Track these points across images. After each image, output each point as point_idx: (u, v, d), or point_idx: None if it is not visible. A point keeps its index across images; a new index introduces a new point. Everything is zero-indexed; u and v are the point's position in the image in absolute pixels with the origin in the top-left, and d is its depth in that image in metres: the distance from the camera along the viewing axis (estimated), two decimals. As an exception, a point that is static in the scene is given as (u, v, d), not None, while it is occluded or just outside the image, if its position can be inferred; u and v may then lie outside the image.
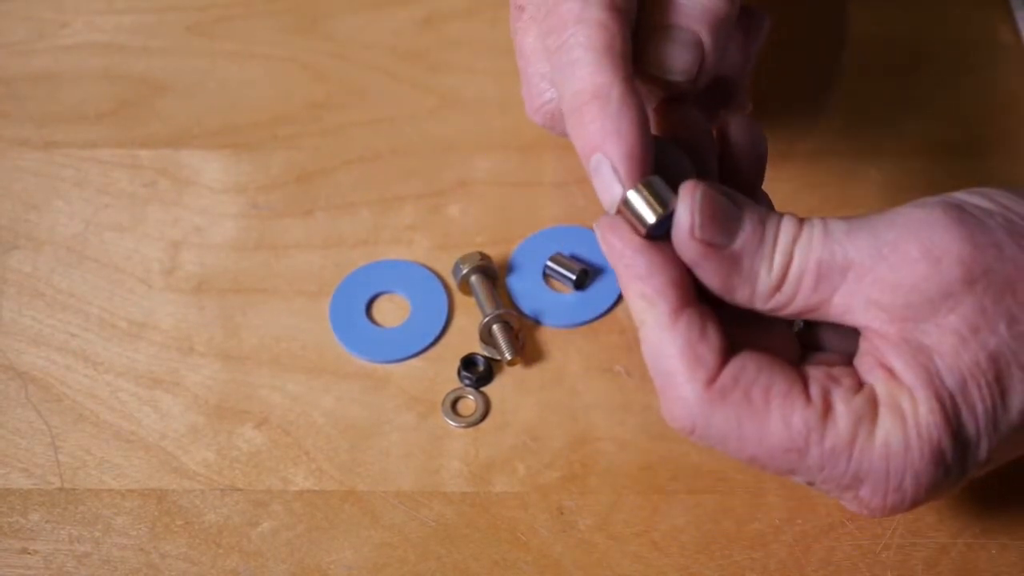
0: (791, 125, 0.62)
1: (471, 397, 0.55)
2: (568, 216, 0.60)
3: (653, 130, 0.47)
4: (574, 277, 0.57)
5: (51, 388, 0.56)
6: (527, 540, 0.51)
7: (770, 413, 0.42)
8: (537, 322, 0.57)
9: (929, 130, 0.62)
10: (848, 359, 0.44)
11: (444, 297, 0.58)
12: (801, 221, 0.43)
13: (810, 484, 0.43)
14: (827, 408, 0.42)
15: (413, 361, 0.56)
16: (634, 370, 0.55)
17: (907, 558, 0.51)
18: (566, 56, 0.45)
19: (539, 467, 0.53)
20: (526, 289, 0.58)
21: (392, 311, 0.58)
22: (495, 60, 0.65)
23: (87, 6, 0.68)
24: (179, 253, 0.60)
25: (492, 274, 0.57)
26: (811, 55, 0.65)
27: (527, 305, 0.57)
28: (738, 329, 0.44)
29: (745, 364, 0.43)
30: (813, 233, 0.43)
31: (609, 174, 0.43)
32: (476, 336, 0.56)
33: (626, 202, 0.43)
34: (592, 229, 0.47)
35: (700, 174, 0.46)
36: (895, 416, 0.42)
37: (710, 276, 0.43)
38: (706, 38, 0.47)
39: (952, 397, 0.41)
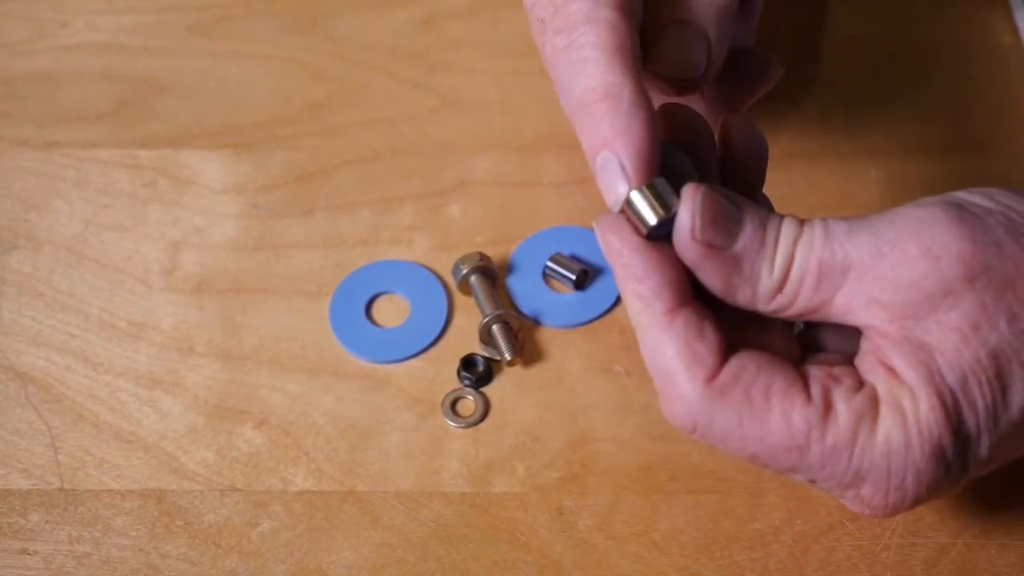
0: (791, 125, 0.62)
1: (471, 397, 0.55)
2: (568, 216, 0.60)
3: None
4: (574, 277, 0.57)
5: (51, 388, 0.56)
6: (527, 540, 0.51)
7: (771, 411, 0.42)
8: (537, 322, 0.57)
9: (929, 130, 0.62)
10: (849, 359, 0.44)
11: (444, 297, 0.58)
12: (802, 222, 0.43)
13: (812, 483, 0.43)
14: (827, 406, 0.42)
15: (413, 361, 0.56)
16: (634, 370, 0.55)
17: (907, 558, 0.51)
18: (576, 55, 0.45)
19: (539, 467, 0.53)
20: (526, 289, 0.58)
21: (392, 311, 0.58)
22: (495, 60, 0.65)
23: (87, 6, 0.68)
24: (179, 253, 0.60)
25: (492, 274, 0.57)
26: (811, 55, 0.65)
27: (527, 305, 0.57)
28: (739, 330, 0.44)
29: (745, 363, 0.43)
30: (814, 234, 0.43)
31: (615, 172, 0.43)
32: (476, 336, 0.56)
33: (629, 202, 0.43)
34: (592, 229, 0.47)
35: (702, 176, 0.46)
36: (896, 414, 0.42)
37: (711, 278, 0.43)
38: (712, 31, 0.47)
39: (953, 394, 0.41)
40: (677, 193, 0.43)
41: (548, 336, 0.57)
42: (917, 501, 0.43)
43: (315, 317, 0.57)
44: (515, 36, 0.66)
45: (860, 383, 0.43)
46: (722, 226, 0.43)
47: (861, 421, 0.42)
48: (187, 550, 0.52)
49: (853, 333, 0.44)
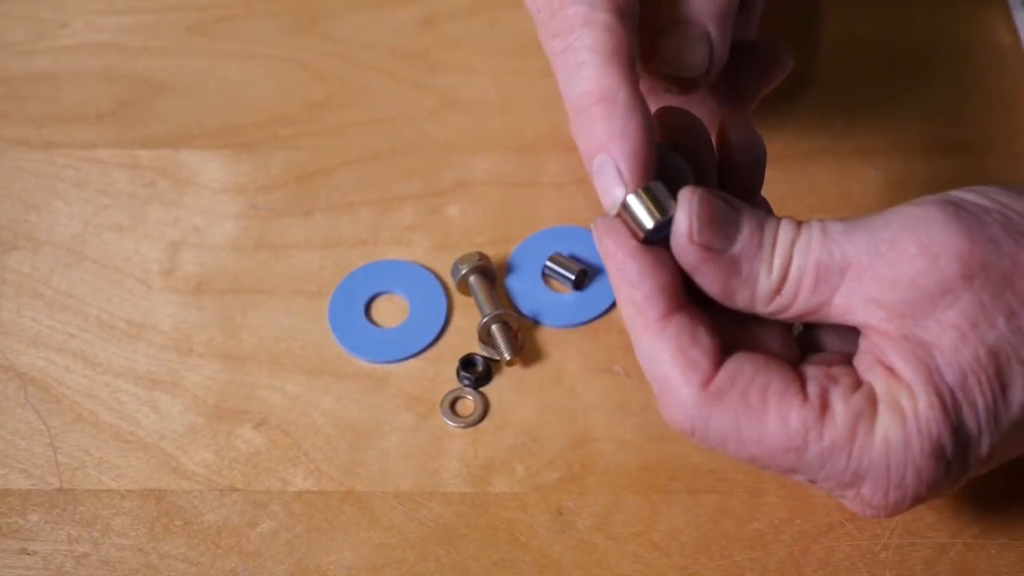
0: (790, 125, 0.62)
1: (470, 397, 0.55)
2: (567, 216, 0.60)
3: None
4: (573, 277, 0.57)
5: (50, 388, 0.56)
6: (526, 540, 0.51)
7: (767, 413, 0.42)
8: (536, 322, 0.57)
9: (929, 130, 0.62)
10: (848, 359, 0.44)
11: (443, 297, 0.58)
12: (799, 223, 0.43)
13: (812, 483, 0.44)
14: (825, 406, 0.42)
15: (412, 361, 0.56)
16: (633, 370, 0.55)
17: (906, 558, 0.50)
18: (573, 58, 0.45)
19: (538, 467, 0.53)
20: (525, 289, 0.58)
21: (391, 311, 0.58)
22: (495, 60, 0.65)
23: (87, 6, 0.68)
24: (178, 253, 0.60)
25: (491, 274, 0.57)
26: (811, 55, 0.65)
27: (526, 305, 0.57)
28: (737, 332, 0.44)
29: (741, 365, 0.43)
30: (811, 235, 0.43)
31: (612, 175, 0.43)
32: (475, 336, 0.56)
33: (625, 206, 0.43)
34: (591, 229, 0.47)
35: (699, 180, 0.46)
36: (894, 413, 0.42)
37: (710, 281, 0.43)
38: (713, 30, 0.48)
39: (952, 392, 0.41)
40: (674, 196, 0.43)
41: (547, 336, 0.57)
42: (918, 500, 0.43)
43: (315, 317, 0.57)
44: (515, 36, 0.66)
45: (858, 382, 0.43)
46: (719, 229, 0.43)
47: (859, 420, 0.42)
48: (186, 550, 0.52)
49: (851, 334, 0.44)
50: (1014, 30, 0.65)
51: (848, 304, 0.43)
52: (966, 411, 0.41)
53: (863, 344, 0.43)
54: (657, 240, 0.43)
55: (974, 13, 0.66)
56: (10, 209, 0.61)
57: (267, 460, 0.54)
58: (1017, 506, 0.52)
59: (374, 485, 0.53)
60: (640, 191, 0.43)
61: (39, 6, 0.68)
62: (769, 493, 0.52)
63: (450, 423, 0.54)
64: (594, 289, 0.58)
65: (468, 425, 0.54)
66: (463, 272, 0.57)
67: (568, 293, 0.58)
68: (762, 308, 0.44)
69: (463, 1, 0.68)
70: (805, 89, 0.64)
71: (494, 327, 0.55)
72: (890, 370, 0.42)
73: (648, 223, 0.43)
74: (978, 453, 0.42)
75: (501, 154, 0.62)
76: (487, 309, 0.56)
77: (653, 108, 0.47)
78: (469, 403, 0.55)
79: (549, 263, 0.58)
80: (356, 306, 0.58)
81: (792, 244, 0.43)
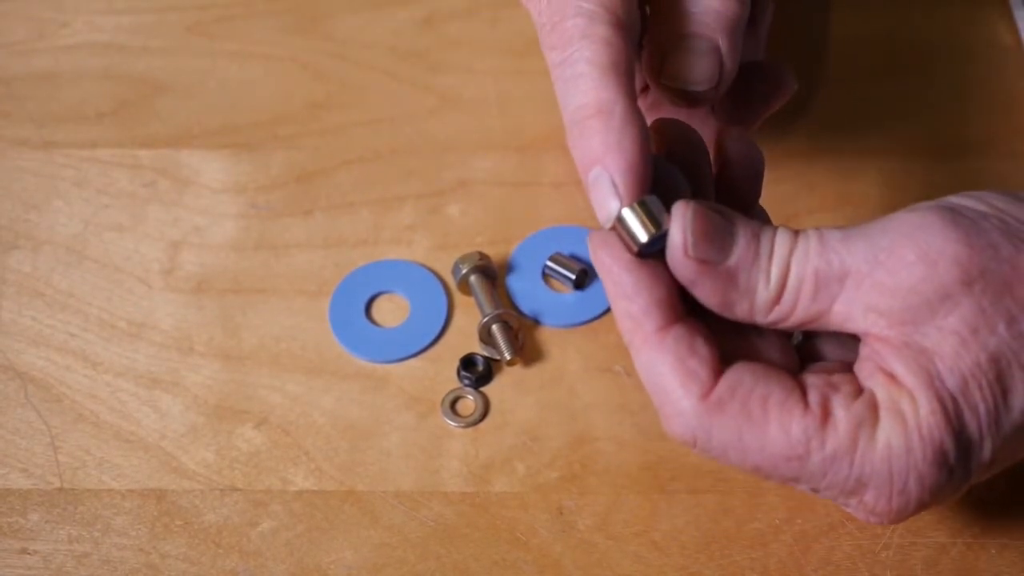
0: (790, 125, 0.62)
1: (470, 397, 0.55)
2: (568, 216, 0.60)
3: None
4: (573, 277, 0.57)
5: (51, 388, 0.56)
6: (527, 540, 0.51)
7: (768, 422, 0.42)
8: (536, 322, 0.57)
9: (929, 130, 0.62)
10: (848, 367, 0.44)
11: (443, 297, 0.58)
12: (796, 232, 0.43)
13: (815, 492, 0.43)
14: (826, 414, 0.42)
15: (412, 361, 0.56)
16: (633, 370, 0.55)
17: (906, 558, 0.51)
18: (570, 70, 0.45)
19: (538, 467, 0.53)
20: (525, 289, 0.58)
21: (392, 311, 0.58)
22: (495, 60, 0.65)
23: (87, 6, 0.68)
24: (179, 253, 0.60)
25: (491, 274, 0.57)
26: (811, 55, 0.65)
27: (526, 305, 0.57)
28: (736, 342, 0.44)
29: (741, 375, 0.43)
30: (809, 243, 0.43)
31: (607, 188, 0.43)
32: (475, 336, 0.56)
33: (620, 219, 0.43)
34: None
35: (696, 192, 0.46)
36: (896, 419, 0.41)
37: (708, 294, 0.43)
38: (723, 44, 0.47)
39: (953, 398, 0.41)
40: (669, 209, 0.43)
41: (548, 336, 0.57)
42: (921, 506, 0.42)
43: (315, 317, 0.58)
44: (515, 36, 0.66)
45: (859, 390, 0.43)
46: (714, 241, 0.43)
47: (860, 427, 0.42)
48: (187, 550, 0.52)
49: (851, 341, 0.44)
50: (1015, 30, 0.65)
51: (848, 312, 0.43)
52: (968, 416, 0.41)
53: (863, 351, 0.43)
54: (652, 253, 0.43)
55: (975, 13, 0.66)
56: (10, 209, 0.61)
57: (268, 460, 0.54)
58: (1018, 506, 0.52)
59: (375, 485, 0.53)
60: (635, 205, 0.43)
61: (39, 6, 0.68)
62: (770, 493, 0.52)
63: (451, 423, 0.54)
64: (594, 289, 0.58)
65: (468, 425, 0.54)
66: (463, 272, 0.57)
67: (568, 293, 0.58)
68: (762, 318, 0.43)
69: (463, 1, 0.68)
70: (806, 89, 0.64)
71: (495, 327, 0.56)
72: (891, 377, 0.42)
73: (642, 237, 0.43)
74: (980, 458, 0.42)
75: (501, 154, 0.62)
76: (487, 309, 0.56)
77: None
78: (469, 403, 0.55)
79: (549, 263, 0.58)
80: (356, 306, 0.58)
81: (790, 253, 0.43)
